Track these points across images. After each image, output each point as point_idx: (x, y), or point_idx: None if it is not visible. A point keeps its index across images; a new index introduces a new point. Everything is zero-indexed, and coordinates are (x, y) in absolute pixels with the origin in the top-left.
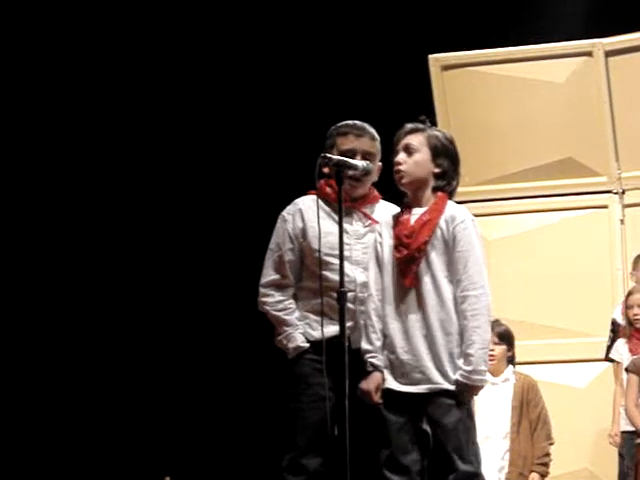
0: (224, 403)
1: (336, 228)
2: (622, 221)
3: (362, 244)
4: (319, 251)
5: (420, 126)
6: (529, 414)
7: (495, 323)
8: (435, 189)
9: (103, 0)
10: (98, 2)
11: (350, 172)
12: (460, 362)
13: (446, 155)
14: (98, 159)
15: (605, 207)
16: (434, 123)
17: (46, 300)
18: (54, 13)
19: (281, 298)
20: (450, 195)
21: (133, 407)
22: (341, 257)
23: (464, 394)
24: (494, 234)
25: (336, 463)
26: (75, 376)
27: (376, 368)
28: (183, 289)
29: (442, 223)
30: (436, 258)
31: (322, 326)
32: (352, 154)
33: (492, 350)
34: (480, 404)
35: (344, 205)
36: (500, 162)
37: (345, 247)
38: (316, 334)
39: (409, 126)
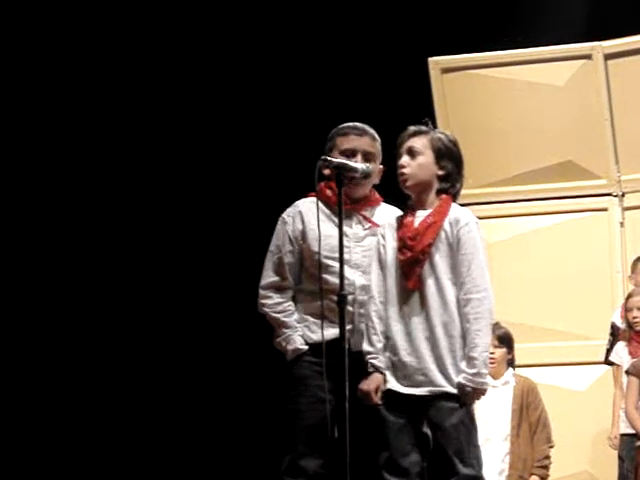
0: (223, 405)
1: (336, 231)
2: (622, 224)
3: (362, 247)
4: (319, 254)
5: (423, 129)
6: (529, 417)
7: (495, 326)
8: (439, 191)
9: (103, 0)
10: (98, 2)
11: (350, 174)
12: (463, 365)
13: (450, 157)
14: (98, 160)
15: (605, 210)
16: (434, 126)
17: (46, 301)
18: (54, 13)
19: (280, 300)
20: (454, 197)
21: (133, 409)
22: (341, 260)
23: (467, 397)
24: (494, 237)
25: (336, 465)
26: (75, 376)
27: (377, 369)
28: (183, 291)
29: (446, 225)
30: (440, 260)
31: (322, 329)
32: (353, 153)
33: (492, 353)
34: (480, 407)
35: (344, 208)
36: (499, 165)
37: (344, 250)
38: (315, 337)
39: (412, 129)
